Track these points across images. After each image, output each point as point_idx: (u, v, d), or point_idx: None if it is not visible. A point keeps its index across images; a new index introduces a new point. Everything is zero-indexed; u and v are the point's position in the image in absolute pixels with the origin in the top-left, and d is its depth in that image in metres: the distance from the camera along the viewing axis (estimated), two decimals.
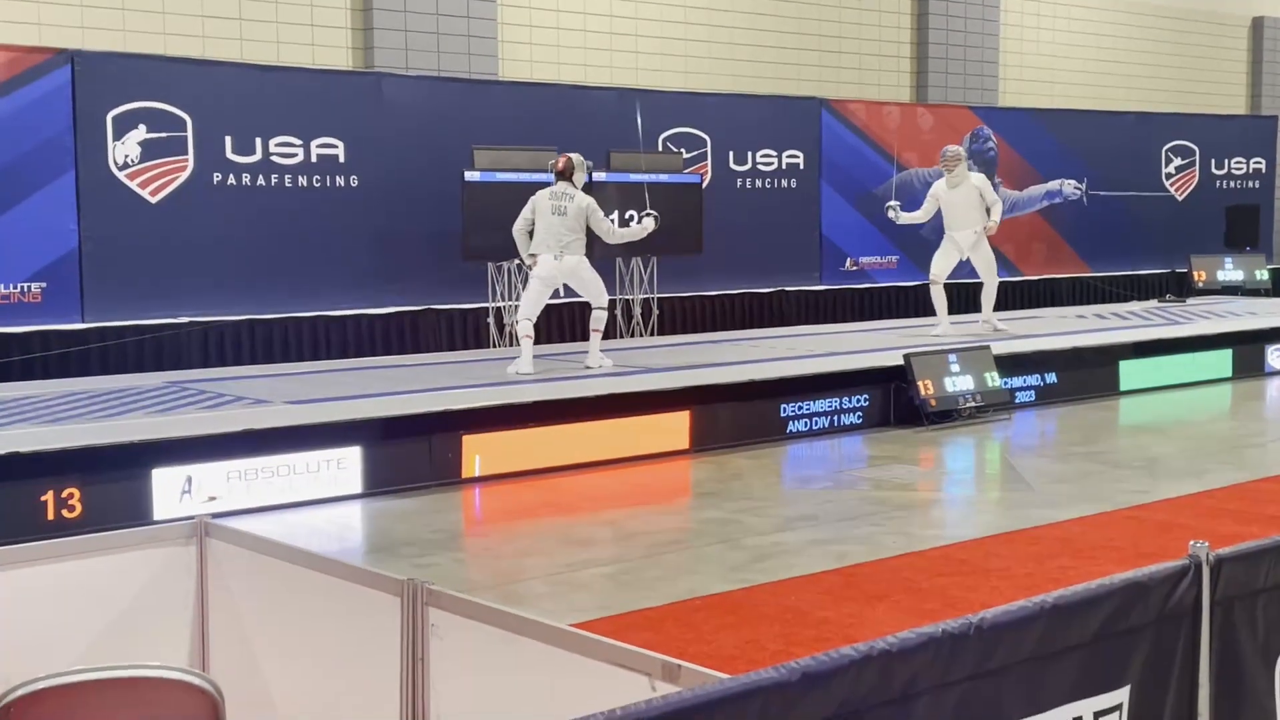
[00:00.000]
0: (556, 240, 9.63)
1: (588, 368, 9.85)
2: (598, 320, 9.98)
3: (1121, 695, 2.44)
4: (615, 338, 12.52)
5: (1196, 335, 12.61)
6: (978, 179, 12.24)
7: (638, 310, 12.67)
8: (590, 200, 9.76)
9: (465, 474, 8.12)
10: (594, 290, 9.90)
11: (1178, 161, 18.15)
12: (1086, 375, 11.53)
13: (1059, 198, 17.00)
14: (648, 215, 10.27)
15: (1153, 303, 16.04)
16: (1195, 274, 17.45)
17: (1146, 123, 17.86)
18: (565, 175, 9.74)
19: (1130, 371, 11.85)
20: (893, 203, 12.25)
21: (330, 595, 3.17)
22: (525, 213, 9.79)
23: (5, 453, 6.64)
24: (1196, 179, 18.32)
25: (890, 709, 2.13)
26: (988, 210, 11.98)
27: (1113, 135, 17.33)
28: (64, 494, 6.66)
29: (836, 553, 6.45)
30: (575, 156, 9.84)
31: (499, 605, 2.88)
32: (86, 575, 3.37)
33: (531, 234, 9.81)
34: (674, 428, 9.04)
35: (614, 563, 6.41)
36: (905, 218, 12.24)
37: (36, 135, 10.16)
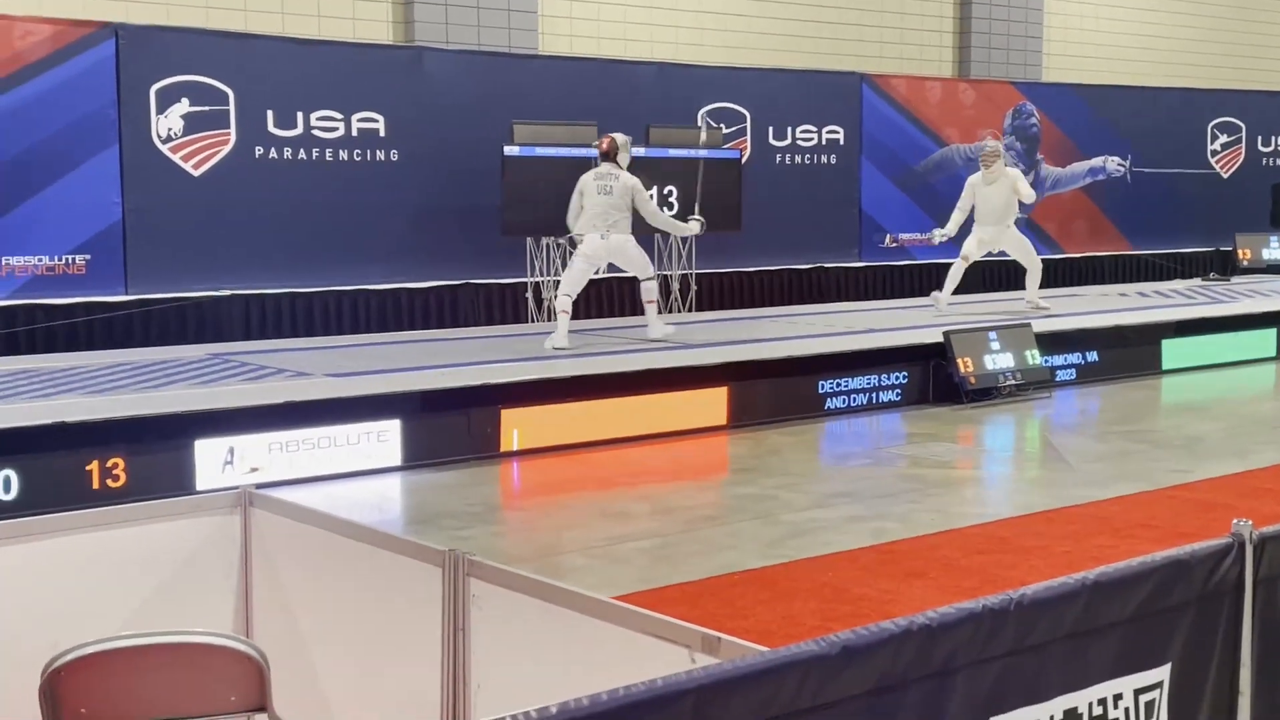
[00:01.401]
0: (603, 219, 9.65)
1: (652, 340, 9.90)
2: (649, 291, 10.06)
3: (1163, 673, 2.44)
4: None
5: (1240, 314, 12.47)
6: (1013, 174, 12.14)
7: (676, 286, 12.66)
8: (636, 180, 9.78)
9: (503, 448, 8.16)
10: (639, 265, 9.94)
11: (1223, 138, 17.93)
12: (1128, 354, 11.44)
13: (1102, 174, 16.83)
14: (695, 219, 10.32)
15: (1196, 281, 15.87)
16: (1240, 252, 17.24)
17: (1192, 99, 17.64)
18: (610, 156, 9.76)
19: (1172, 350, 11.75)
20: (939, 231, 12.21)
21: (372, 565, 3.20)
22: (575, 197, 9.85)
23: (51, 423, 6.72)
24: (1243, 156, 18.09)
25: (930, 683, 2.13)
26: (1020, 203, 11.98)
27: (1157, 111, 17.13)
28: (109, 463, 6.75)
29: (874, 529, 6.44)
30: (619, 137, 9.86)
31: (539, 576, 2.90)
32: (133, 543, 3.42)
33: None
34: (712, 403, 9.04)
35: (651, 537, 6.43)
36: (947, 231, 12.13)
37: (81, 108, 10.24)
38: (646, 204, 9.85)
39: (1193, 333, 11.93)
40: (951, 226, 12.08)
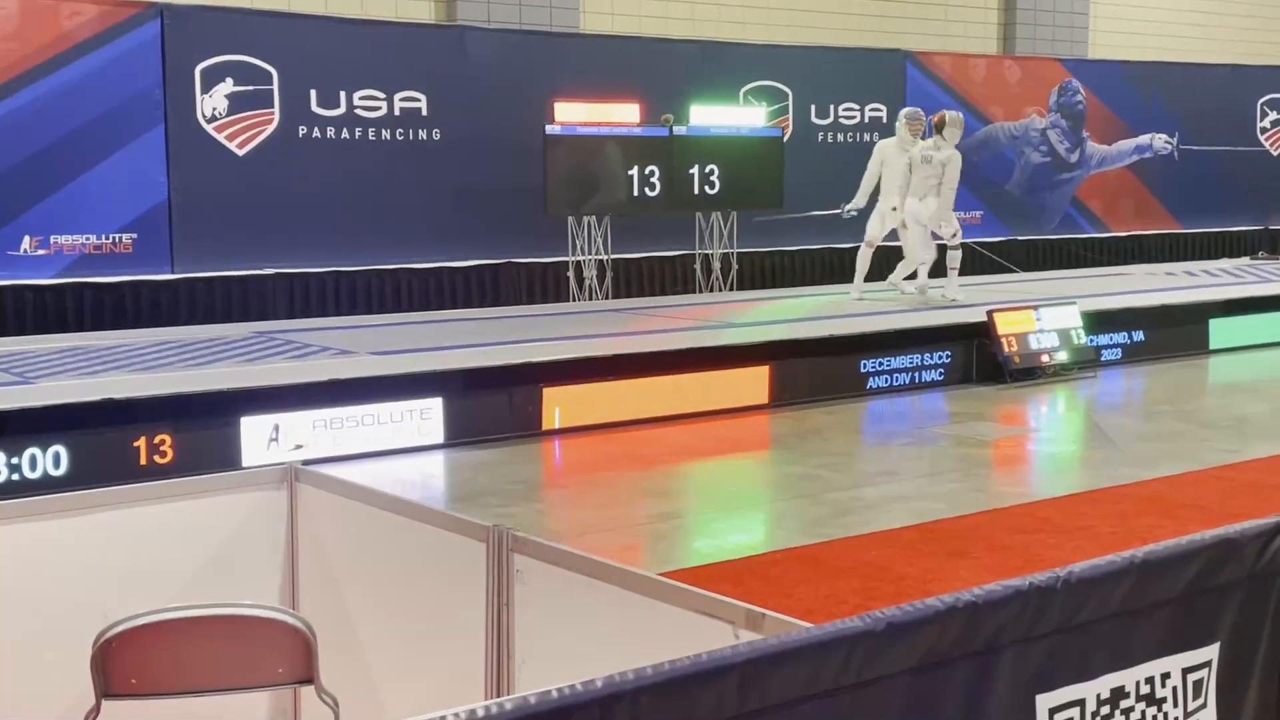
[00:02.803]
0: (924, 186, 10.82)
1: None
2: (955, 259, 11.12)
3: (1211, 652, 2.41)
4: (694, 291, 12.51)
5: None
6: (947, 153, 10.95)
7: (717, 265, 12.63)
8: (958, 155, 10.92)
9: (545, 426, 8.18)
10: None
11: (1273, 115, 17.66)
12: (1175, 333, 11.32)
13: (1149, 152, 16.64)
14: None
15: (1244, 260, 15.68)
16: None
17: (1241, 76, 17.38)
18: (939, 129, 10.92)
19: (1220, 330, 11.62)
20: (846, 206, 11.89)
21: (417, 540, 3.22)
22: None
23: (100, 399, 6.80)
24: None
25: (975, 661, 2.12)
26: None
27: (1205, 88, 16.90)
28: (156, 440, 6.82)
29: (917, 509, 6.42)
30: (951, 114, 11.06)
31: (583, 552, 2.91)
32: (182, 517, 3.45)
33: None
34: (753, 382, 9.02)
35: (693, 515, 6.43)
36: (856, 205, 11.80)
37: (127, 88, 10.33)
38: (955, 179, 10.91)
39: (1240, 312, 11.80)
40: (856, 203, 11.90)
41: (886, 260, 11.92)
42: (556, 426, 8.21)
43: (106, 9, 10.24)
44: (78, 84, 10.12)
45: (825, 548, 5.79)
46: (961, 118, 11.42)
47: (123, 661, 2.53)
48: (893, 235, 11.55)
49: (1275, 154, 17.71)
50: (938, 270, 11.46)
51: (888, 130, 14.52)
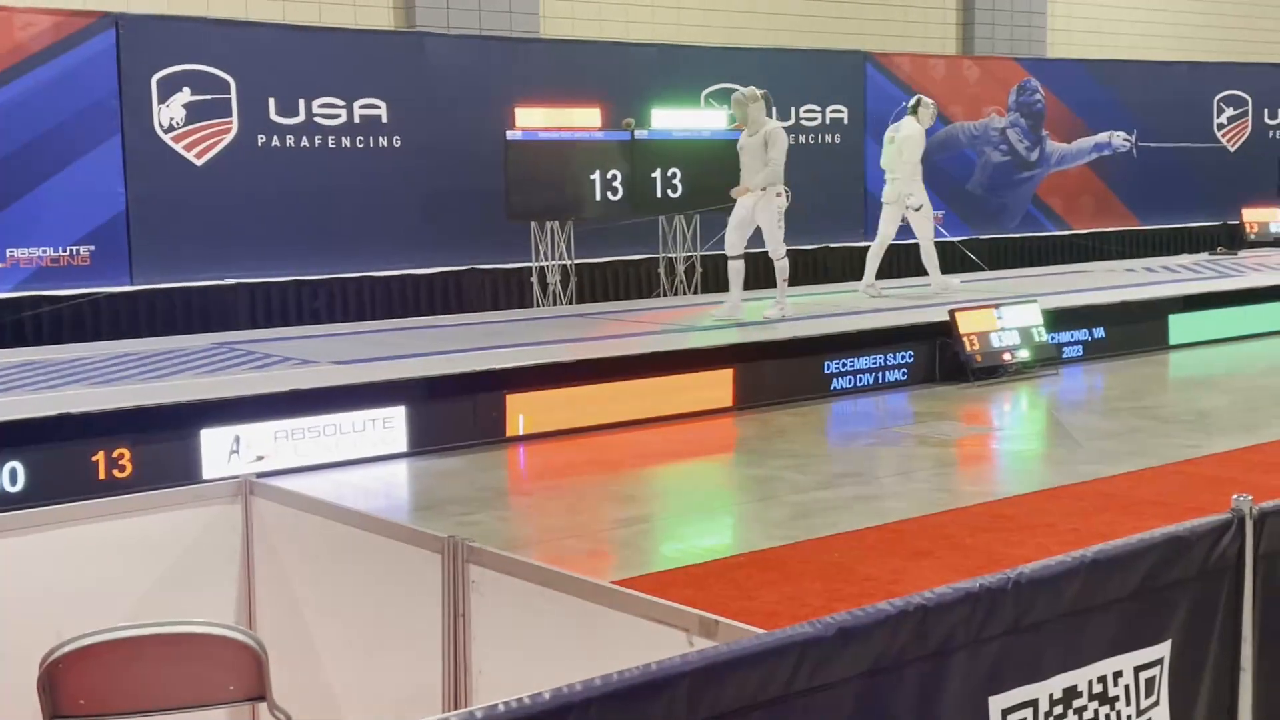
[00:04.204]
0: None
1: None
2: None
3: (1163, 650, 2.42)
4: (658, 296, 12.51)
5: (1248, 288, 12.43)
6: (772, 126, 10.22)
7: (681, 269, 12.64)
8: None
9: (509, 433, 8.16)
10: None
11: (1230, 111, 17.84)
12: (1135, 330, 11.40)
13: (1108, 150, 16.76)
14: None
15: (1203, 255, 15.82)
16: (1247, 226, 17.18)
17: (1198, 72, 17.54)
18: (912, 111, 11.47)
19: (1180, 325, 11.71)
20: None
21: (372, 552, 3.20)
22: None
23: (57, 413, 6.73)
24: (1249, 129, 18.00)
25: (927, 663, 2.12)
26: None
27: (1163, 85, 17.04)
28: (115, 454, 6.76)
29: (880, 509, 6.43)
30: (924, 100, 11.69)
31: (538, 562, 2.90)
32: (134, 533, 3.42)
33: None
34: (717, 385, 9.03)
35: (658, 519, 6.43)
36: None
37: (83, 99, 10.24)
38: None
39: (1200, 307, 11.89)
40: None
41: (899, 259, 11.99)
42: (520, 433, 8.18)
43: (61, 20, 10.15)
44: (33, 95, 10.02)
45: (789, 550, 5.80)
46: (933, 103, 12.17)
47: (71, 682, 2.50)
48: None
49: (1233, 150, 17.89)
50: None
51: (850, 131, 14.60)
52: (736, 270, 10.36)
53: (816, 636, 1.98)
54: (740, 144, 10.38)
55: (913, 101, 11.92)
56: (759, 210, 10.14)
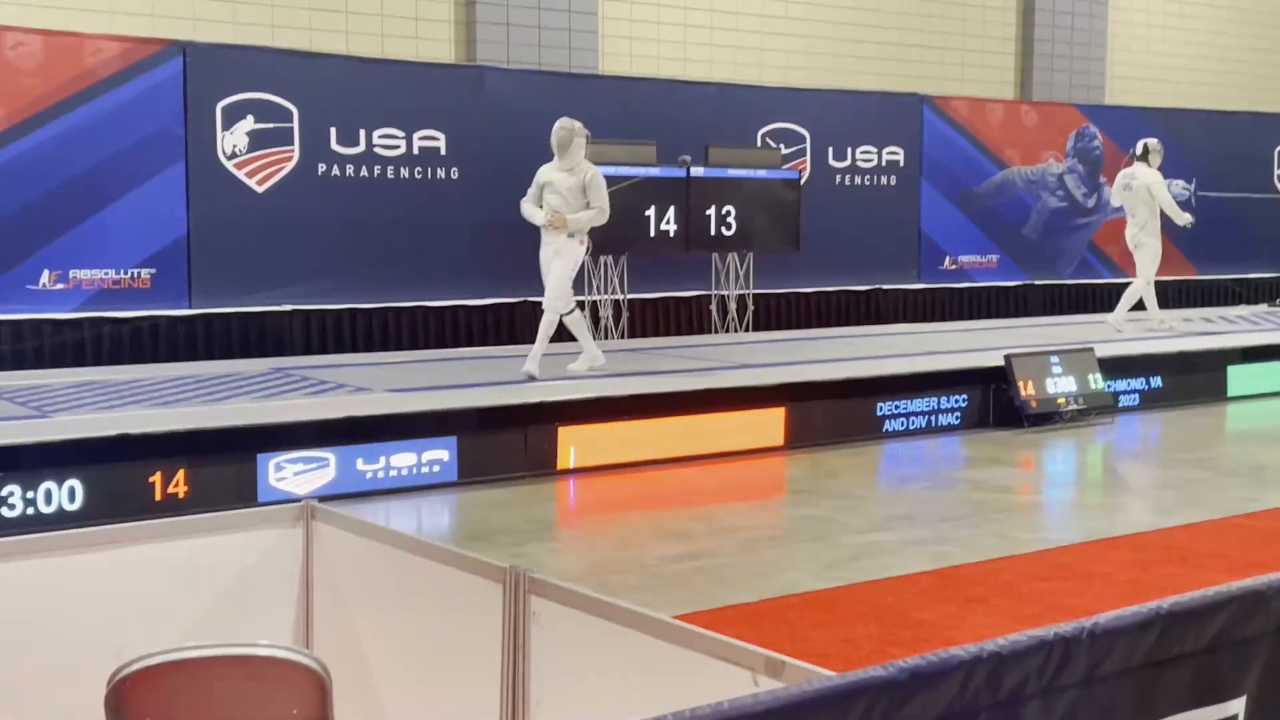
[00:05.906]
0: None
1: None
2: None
3: (1237, 705, 2.38)
4: (711, 332, 12.50)
5: None
6: (594, 170, 9.47)
7: (733, 306, 12.63)
8: None
9: (560, 465, 8.16)
10: None
11: None
12: (1193, 380, 11.28)
13: None
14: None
15: (1262, 307, 15.62)
16: None
17: (1260, 123, 17.38)
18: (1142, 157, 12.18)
19: (1238, 376, 11.57)
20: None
21: (433, 580, 3.20)
22: None
23: (116, 434, 6.81)
24: None
25: (998, 712, 2.09)
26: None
27: (1224, 135, 16.89)
28: (172, 475, 6.82)
29: (934, 553, 6.37)
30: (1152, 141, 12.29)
31: (601, 595, 2.89)
32: (197, 554, 3.44)
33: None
34: (769, 424, 9.00)
35: (708, 557, 6.39)
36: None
37: (149, 124, 10.39)
38: None
39: (1259, 359, 11.75)
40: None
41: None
42: (571, 466, 8.19)
43: (129, 46, 10.32)
44: (100, 120, 10.18)
45: (842, 591, 5.75)
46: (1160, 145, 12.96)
47: (137, 701, 2.51)
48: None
49: None
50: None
51: (905, 173, 14.57)
52: (575, 321, 9.56)
53: (888, 680, 1.96)
54: (548, 178, 9.39)
55: (1140, 149, 12.84)
56: (561, 252, 9.32)
